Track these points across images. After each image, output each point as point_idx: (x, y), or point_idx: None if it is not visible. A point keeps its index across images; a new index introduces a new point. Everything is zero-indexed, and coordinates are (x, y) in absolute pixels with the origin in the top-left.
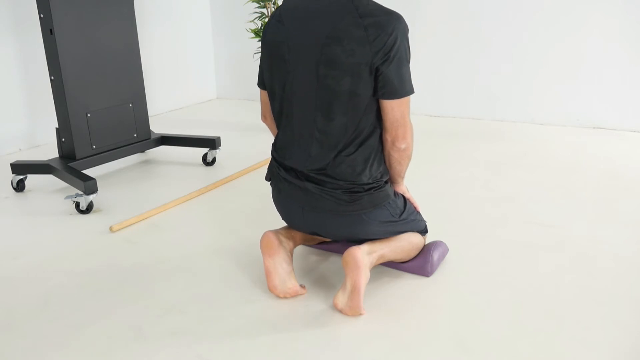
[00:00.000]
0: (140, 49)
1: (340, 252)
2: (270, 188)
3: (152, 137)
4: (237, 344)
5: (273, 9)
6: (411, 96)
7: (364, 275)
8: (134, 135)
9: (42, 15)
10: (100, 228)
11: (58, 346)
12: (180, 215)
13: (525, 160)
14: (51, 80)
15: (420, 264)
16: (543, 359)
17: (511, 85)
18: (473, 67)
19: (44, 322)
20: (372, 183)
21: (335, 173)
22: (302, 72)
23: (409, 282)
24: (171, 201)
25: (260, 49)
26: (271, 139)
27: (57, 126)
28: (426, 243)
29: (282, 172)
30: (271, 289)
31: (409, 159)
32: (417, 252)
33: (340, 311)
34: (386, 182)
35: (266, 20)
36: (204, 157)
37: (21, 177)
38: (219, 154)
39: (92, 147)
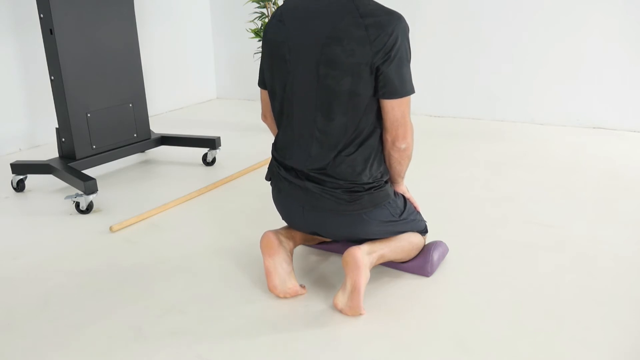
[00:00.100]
0: (140, 49)
1: (340, 252)
2: (270, 188)
3: (152, 137)
4: (237, 344)
5: (273, 9)
6: (411, 96)
7: (364, 275)
8: (134, 135)
9: (42, 15)
10: (100, 228)
11: (58, 346)
12: (180, 215)
13: (525, 160)
14: (51, 80)
15: (420, 264)
16: (543, 359)
17: (511, 85)
18: (473, 67)
19: (44, 322)
20: (372, 183)
21: (336, 173)
22: (302, 72)
23: (409, 282)
24: (171, 201)
25: (260, 49)
26: (271, 139)
27: (57, 126)
28: (426, 243)
29: (282, 171)
30: (271, 289)
31: (409, 159)
32: (417, 252)
33: (340, 311)
34: (386, 182)
35: (266, 20)
36: (204, 157)
37: (21, 177)
38: (219, 154)
39: (92, 147)
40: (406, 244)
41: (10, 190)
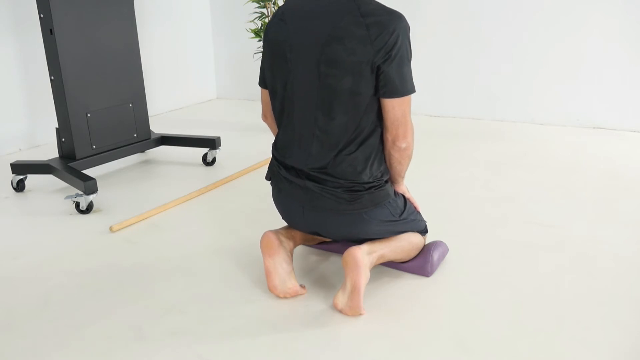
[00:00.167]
0: (140, 49)
1: (340, 252)
2: (270, 188)
3: (152, 137)
4: (237, 344)
5: (273, 9)
6: (411, 96)
7: (364, 275)
8: (134, 135)
9: (42, 15)
10: (100, 228)
11: (58, 346)
12: (180, 215)
13: (525, 160)
14: (51, 80)
15: (420, 264)
16: (543, 359)
17: (511, 85)
18: (473, 67)
19: (44, 322)
20: (372, 182)
21: (336, 172)
22: (303, 71)
23: (409, 282)
24: (171, 201)
25: (260, 49)
26: (271, 138)
27: (57, 126)
28: (426, 243)
29: (282, 171)
30: (271, 289)
31: (410, 158)
32: (417, 252)
33: (340, 311)
34: (386, 182)
35: (266, 20)
36: (204, 157)
37: (21, 177)
38: (219, 154)
39: (92, 147)
40: (406, 244)
41: (10, 190)
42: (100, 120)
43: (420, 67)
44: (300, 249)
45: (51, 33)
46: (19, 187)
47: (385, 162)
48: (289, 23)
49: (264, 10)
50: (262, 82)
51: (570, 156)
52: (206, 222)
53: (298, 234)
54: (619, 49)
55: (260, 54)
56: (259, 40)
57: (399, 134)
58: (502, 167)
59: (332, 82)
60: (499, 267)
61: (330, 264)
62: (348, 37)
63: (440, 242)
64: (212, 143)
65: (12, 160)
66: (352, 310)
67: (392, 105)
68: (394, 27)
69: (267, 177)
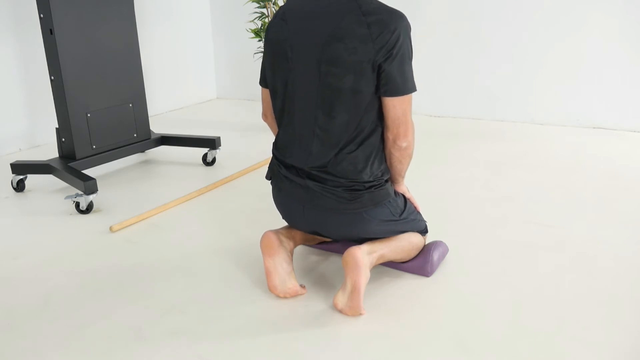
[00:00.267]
0: (140, 49)
1: (340, 252)
2: (270, 188)
3: (152, 137)
4: (237, 344)
5: (273, 9)
6: (412, 95)
7: (364, 275)
8: (134, 135)
9: (42, 15)
10: (100, 228)
11: (58, 346)
12: (180, 215)
13: (525, 160)
14: (51, 80)
15: (420, 264)
16: (543, 359)
17: (511, 85)
18: (473, 67)
19: (44, 322)
20: (372, 181)
21: (337, 171)
22: (304, 70)
23: (409, 282)
24: (171, 201)
25: (260, 49)
26: (271, 138)
27: (57, 126)
28: (426, 243)
29: (282, 170)
30: (271, 289)
31: (410, 157)
32: (417, 252)
33: (340, 311)
34: (387, 181)
35: (266, 20)
36: (204, 157)
37: (21, 177)
38: (219, 154)
39: (92, 147)
40: (406, 243)
41: (10, 190)
42: (100, 120)
43: (420, 67)
44: (300, 249)
45: (51, 33)
46: (19, 187)
47: (385, 161)
48: (290, 23)
49: (264, 10)
50: (263, 81)
51: (570, 156)
52: (206, 222)
53: (298, 234)
54: (619, 49)
55: (260, 54)
56: (259, 40)
57: (400, 132)
58: (502, 167)
59: (333, 80)
60: (499, 267)
61: (330, 264)
62: (349, 36)
63: (440, 242)
64: (212, 143)
65: (12, 160)
66: (352, 310)
67: (393, 104)
68: (395, 25)
69: (268, 177)
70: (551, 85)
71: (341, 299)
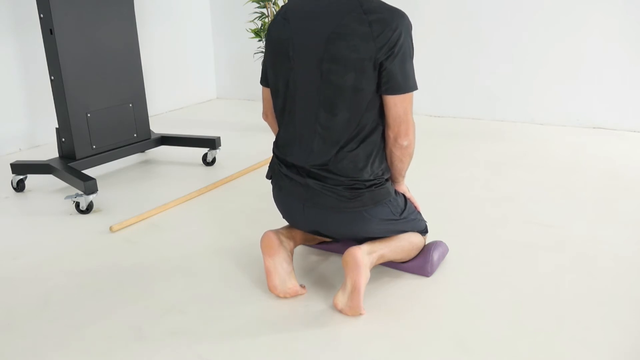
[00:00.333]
0: (140, 49)
1: (340, 252)
2: (270, 188)
3: (152, 137)
4: (237, 344)
5: (273, 9)
6: (413, 94)
7: (364, 275)
8: (134, 135)
9: (42, 15)
10: (100, 228)
11: (58, 346)
12: (180, 215)
13: (525, 160)
14: (51, 80)
15: (420, 264)
16: (543, 359)
17: (511, 85)
18: (473, 67)
19: (44, 322)
20: (373, 180)
21: (337, 169)
22: (305, 68)
23: (409, 282)
24: (171, 201)
25: (260, 49)
26: (271, 138)
27: (57, 126)
28: (426, 243)
29: (283, 168)
30: (271, 289)
31: (411, 156)
32: (417, 252)
33: (340, 311)
34: (387, 180)
35: (266, 20)
36: (204, 157)
37: (21, 177)
38: (219, 154)
39: (92, 147)
40: (406, 243)
41: (10, 190)
42: (100, 120)
43: (419, 67)
44: (300, 249)
45: (51, 33)
46: (19, 187)
47: (386, 160)
48: (291, 22)
49: (264, 10)
50: (264, 81)
51: (570, 156)
52: (206, 222)
53: (298, 234)
54: (619, 49)
55: (260, 54)
56: (259, 40)
57: (401, 131)
58: (502, 167)
59: (334, 78)
60: (499, 267)
61: (330, 264)
62: (351, 34)
63: (440, 242)
64: (212, 143)
65: (12, 160)
66: (352, 310)
67: (394, 102)
68: (397, 24)
69: (268, 176)
70: (551, 85)
71: (341, 299)
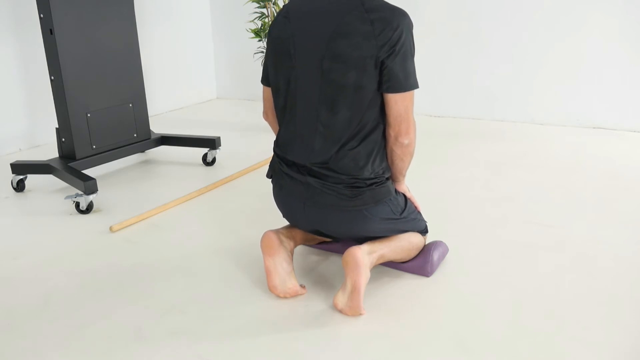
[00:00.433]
0: (140, 49)
1: (341, 252)
2: (270, 188)
3: (152, 137)
4: (237, 344)
5: (273, 9)
6: (414, 93)
7: (364, 275)
8: (134, 135)
9: (42, 15)
10: (100, 228)
11: (58, 346)
12: (180, 215)
13: (525, 160)
14: (51, 80)
15: (420, 264)
16: (543, 359)
17: (511, 85)
18: (472, 67)
19: (44, 322)
20: (373, 178)
21: (338, 167)
22: (307, 67)
23: (409, 282)
24: (171, 201)
25: (260, 49)
26: (271, 138)
27: (57, 126)
28: (426, 243)
29: (284, 167)
30: (271, 289)
31: (412, 155)
32: (417, 252)
33: (340, 311)
34: (387, 179)
35: (266, 20)
36: (204, 157)
37: (21, 177)
38: (219, 154)
39: (92, 147)
40: (406, 243)
41: (10, 190)
42: (100, 120)
43: (419, 67)
44: (300, 249)
45: (51, 33)
46: (19, 187)
47: (387, 159)
48: (292, 21)
49: (264, 10)
50: (265, 80)
51: (570, 156)
52: (206, 222)
53: (298, 234)
54: (619, 49)
55: (260, 54)
56: (259, 40)
57: (402, 130)
58: (502, 167)
59: (336, 77)
60: (499, 267)
61: (330, 264)
62: (353, 33)
63: (440, 242)
64: (212, 143)
65: (12, 160)
66: (352, 310)
67: (395, 101)
68: (398, 22)
69: (268, 175)
70: (551, 85)
71: (341, 299)
